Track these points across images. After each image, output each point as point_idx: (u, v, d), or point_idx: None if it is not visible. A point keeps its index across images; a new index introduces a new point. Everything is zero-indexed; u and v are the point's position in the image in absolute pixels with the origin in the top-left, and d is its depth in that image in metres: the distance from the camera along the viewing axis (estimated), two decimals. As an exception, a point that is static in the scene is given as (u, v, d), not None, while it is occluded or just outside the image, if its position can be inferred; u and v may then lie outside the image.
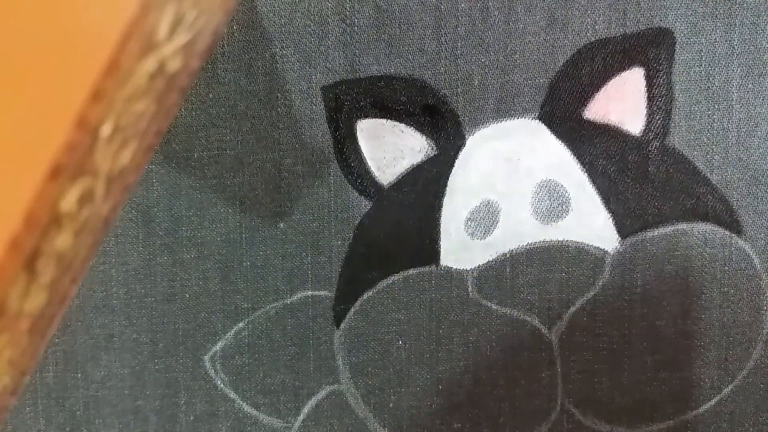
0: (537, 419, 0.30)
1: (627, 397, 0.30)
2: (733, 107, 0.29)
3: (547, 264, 0.29)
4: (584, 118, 0.29)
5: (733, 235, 0.30)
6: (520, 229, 0.29)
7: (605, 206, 0.29)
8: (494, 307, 0.29)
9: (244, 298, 0.29)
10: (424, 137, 0.28)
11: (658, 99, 0.29)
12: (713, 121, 0.29)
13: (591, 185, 0.29)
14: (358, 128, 0.28)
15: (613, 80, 0.29)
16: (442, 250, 0.29)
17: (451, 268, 0.29)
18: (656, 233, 0.29)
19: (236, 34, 0.27)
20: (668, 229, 0.29)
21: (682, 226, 0.29)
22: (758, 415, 0.31)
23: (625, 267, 0.29)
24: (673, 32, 0.28)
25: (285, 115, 0.28)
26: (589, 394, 0.30)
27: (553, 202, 0.29)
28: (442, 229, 0.29)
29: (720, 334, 0.30)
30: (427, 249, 0.29)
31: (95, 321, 0.28)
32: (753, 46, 0.29)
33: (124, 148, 0.18)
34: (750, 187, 0.29)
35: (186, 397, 0.29)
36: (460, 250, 0.29)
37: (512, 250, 0.29)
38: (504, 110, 0.28)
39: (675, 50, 0.28)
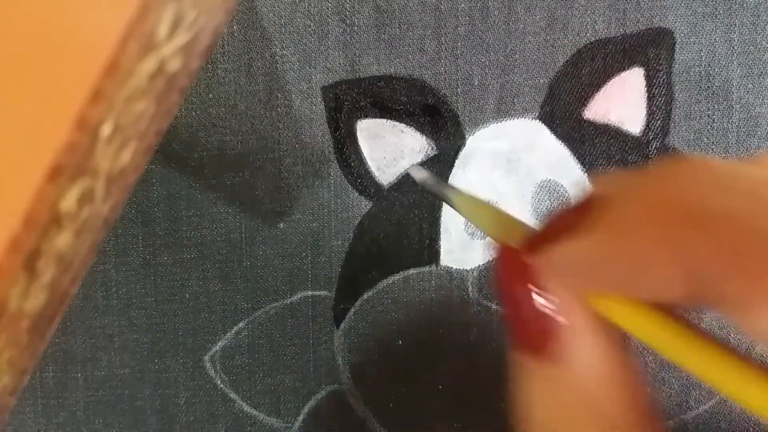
0: (537, 419, 0.30)
1: (627, 397, 0.30)
2: (733, 107, 0.29)
3: (547, 264, 0.29)
4: (584, 118, 0.29)
5: (733, 235, 0.29)
6: (520, 229, 0.29)
7: (605, 206, 0.29)
8: (494, 307, 0.29)
9: (244, 298, 0.29)
10: (424, 137, 0.28)
11: (658, 99, 0.29)
12: (713, 121, 0.29)
13: (591, 185, 0.29)
14: (358, 128, 0.28)
15: (613, 80, 0.29)
16: (442, 250, 0.29)
17: (451, 268, 0.29)
18: (656, 233, 0.29)
19: (236, 34, 0.27)
20: (668, 229, 0.29)
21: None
22: (758, 415, 0.31)
23: (625, 267, 0.29)
24: (673, 32, 0.28)
25: (285, 115, 0.28)
26: (589, 394, 0.30)
27: (553, 202, 0.29)
28: (442, 229, 0.29)
29: (720, 334, 0.30)
30: (427, 249, 0.29)
31: (95, 321, 0.28)
32: (753, 46, 0.29)
33: (124, 148, 0.18)
34: (750, 187, 0.29)
35: (185, 397, 0.29)
36: (460, 250, 0.29)
37: (512, 250, 0.29)
38: (504, 110, 0.28)
39: (675, 50, 0.28)
